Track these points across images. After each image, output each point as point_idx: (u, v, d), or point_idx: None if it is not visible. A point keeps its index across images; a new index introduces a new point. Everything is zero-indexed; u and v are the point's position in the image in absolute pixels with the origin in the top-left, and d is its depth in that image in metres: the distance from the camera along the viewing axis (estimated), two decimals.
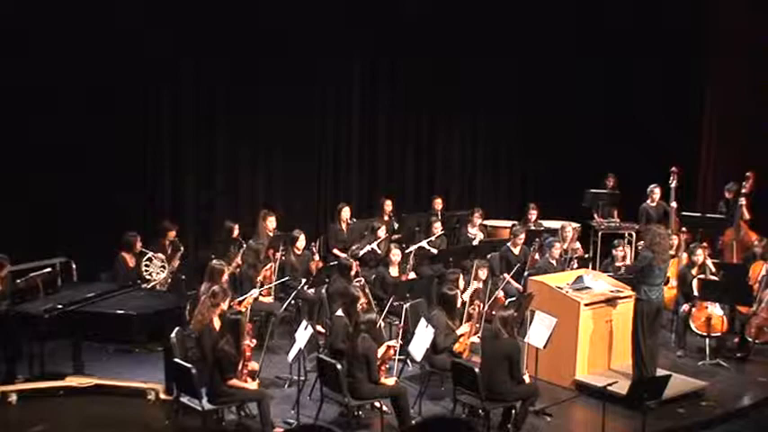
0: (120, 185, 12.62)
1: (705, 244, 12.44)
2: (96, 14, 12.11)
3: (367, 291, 10.56)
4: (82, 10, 11.97)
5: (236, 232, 12.33)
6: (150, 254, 11.53)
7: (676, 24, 15.54)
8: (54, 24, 11.84)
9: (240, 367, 8.49)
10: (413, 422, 8.59)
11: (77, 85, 12.09)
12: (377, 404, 8.96)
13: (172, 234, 12.14)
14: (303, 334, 8.99)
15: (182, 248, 12.11)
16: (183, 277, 11.84)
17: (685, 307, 11.40)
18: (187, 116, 13.60)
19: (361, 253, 12.69)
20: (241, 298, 10.28)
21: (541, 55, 16.09)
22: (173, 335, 8.94)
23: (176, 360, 8.58)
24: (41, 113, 11.84)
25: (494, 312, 9.36)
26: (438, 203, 14.83)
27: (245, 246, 11.86)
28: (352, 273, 11.11)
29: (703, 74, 15.85)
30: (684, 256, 12.16)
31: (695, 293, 11.29)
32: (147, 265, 11.46)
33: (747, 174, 13.42)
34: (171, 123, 13.45)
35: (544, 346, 9.34)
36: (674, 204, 13.28)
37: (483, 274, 10.85)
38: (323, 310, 10.93)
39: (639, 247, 12.28)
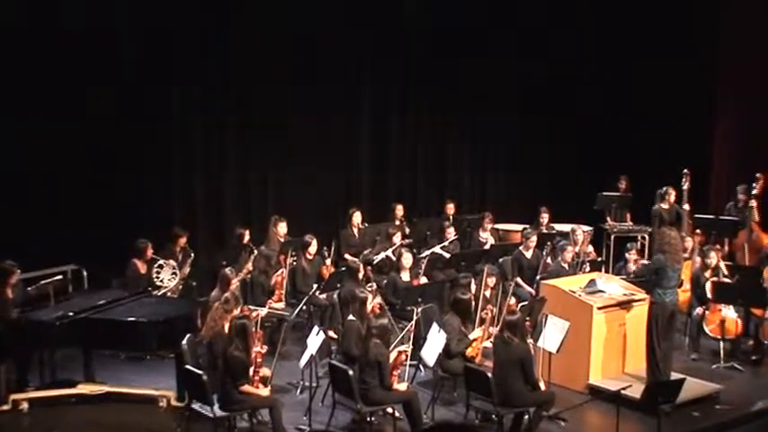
0: (130, 191, 12.60)
1: (718, 246, 12.36)
2: (96, 15, 12.11)
3: (378, 297, 10.52)
4: (86, 7, 12.02)
5: (246, 238, 12.31)
6: (161, 260, 11.53)
7: (688, 25, 15.47)
8: (55, 25, 11.86)
9: (252, 373, 8.46)
10: (425, 428, 8.54)
11: (85, 88, 12.06)
12: (389, 410, 8.90)
13: (182, 240, 12.15)
14: (315, 340, 8.97)
15: (192, 255, 12.11)
16: (194, 284, 11.83)
17: (699, 310, 11.32)
18: (196, 120, 13.57)
19: (377, 259, 12.64)
20: (252, 308, 10.25)
21: (553, 56, 16.04)
22: (184, 342, 8.93)
23: (188, 367, 8.57)
24: (47, 116, 11.82)
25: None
26: (450, 208, 14.79)
27: (256, 252, 11.84)
28: (361, 275, 11.07)
29: (715, 74, 15.77)
30: (698, 258, 12.07)
31: (709, 296, 11.22)
32: (157, 272, 11.46)
33: (758, 175, 13.35)
34: (180, 128, 13.44)
35: (557, 351, 9.29)
36: (686, 207, 13.20)
37: (491, 281, 10.79)
38: (334, 316, 10.88)
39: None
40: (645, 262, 11.66)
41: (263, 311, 10.40)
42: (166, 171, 13.32)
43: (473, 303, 9.85)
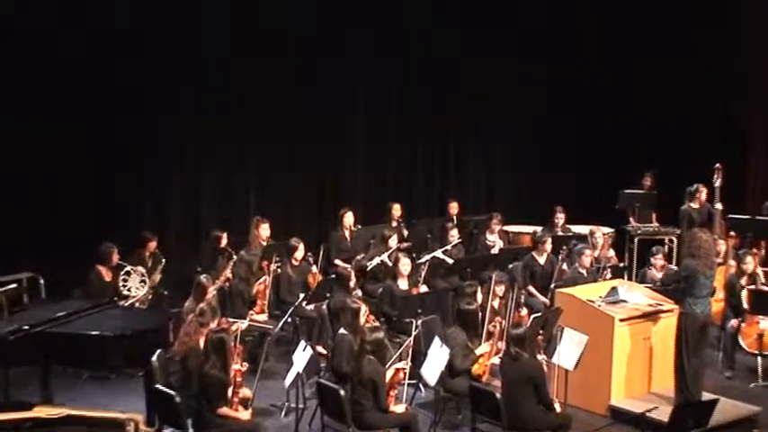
0: (94, 190, 12.60)
1: (755, 250, 12.36)
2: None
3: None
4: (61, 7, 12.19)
5: (224, 241, 12.29)
6: (129, 267, 11.53)
7: (721, 13, 15.60)
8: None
9: (230, 394, 8.44)
10: None
11: (51, 85, 12.19)
12: None
13: (152, 244, 12.16)
14: (301, 356, 8.94)
15: (163, 260, 12.09)
16: (166, 293, 11.80)
17: (734, 322, 11.32)
18: (167, 115, 13.63)
19: (371, 265, 12.62)
20: (231, 321, 10.23)
21: (569, 49, 16.17)
22: (154, 358, 8.89)
23: (158, 387, 8.53)
24: (5, 113, 11.90)
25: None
26: (453, 207, 14.80)
27: (235, 257, 11.82)
28: (352, 284, 11.04)
29: (759, 61, 15.85)
30: (733, 263, 12.07)
31: (745, 306, 11.22)
32: (125, 280, 11.47)
33: None
34: (152, 121, 13.45)
35: (574, 368, 9.26)
36: (719, 206, 13.20)
37: (500, 290, 10.79)
38: (323, 329, 10.87)
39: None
40: (673, 267, 11.62)
41: (243, 324, 10.37)
42: (134, 170, 13.32)
43: (480, 315, 9.84)
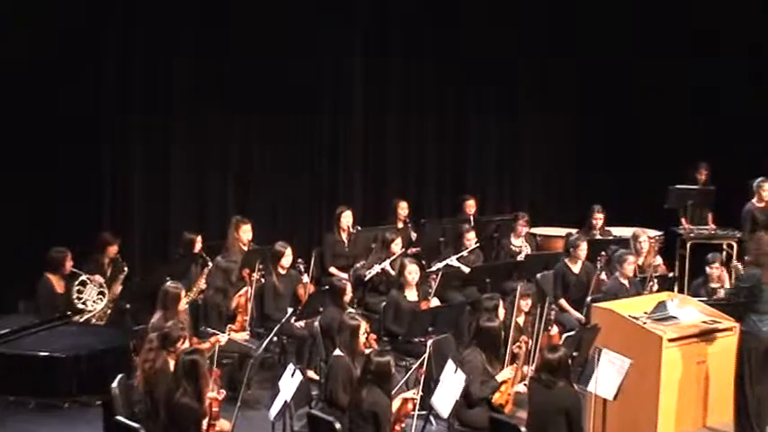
0: (43, 186, 12.62)
1: None
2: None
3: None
4: None
5: (198, 246, 12.30)
6: (84, 276, 11.53)
7: None
8: None
9: (205, 427, 8.45)
10: None
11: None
12: None
13: (113, 249, 12.15)
14: (289, 382, 8.94)
15: (126, 268, 12.10)
16: (128, 306, 11.81)
17: None
18: (132, 98, 13.75)
19: (370, 274, 12.62)
20: (210, 332, 10.24)
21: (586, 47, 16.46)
22: (114, 384, 8.88)
23: (119, 418, 8.53)
24: None
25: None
26: (470, 206, 14.78)
27: (210, 264, 11.83)
28: (347, 298, 11.04)
29: None
30: None
31: None
32: (79, 291, 11.49)
33: None
34: (112, 105, 13.52)
35: (614, 397, 9.26)
36: None
37: (526, 304, 10.79)
38: (315, 350, 10.87)
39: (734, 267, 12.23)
40: (740, 266, 11.57)
41: (223, 338, 10.34)
42: (94, 162, 13.37)
43: (502, 334, 9.83)
